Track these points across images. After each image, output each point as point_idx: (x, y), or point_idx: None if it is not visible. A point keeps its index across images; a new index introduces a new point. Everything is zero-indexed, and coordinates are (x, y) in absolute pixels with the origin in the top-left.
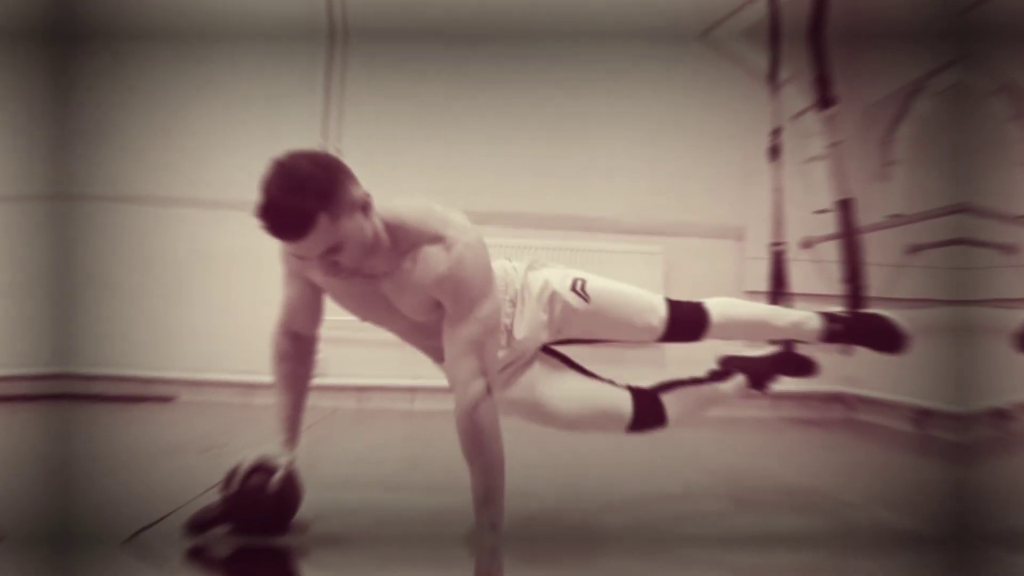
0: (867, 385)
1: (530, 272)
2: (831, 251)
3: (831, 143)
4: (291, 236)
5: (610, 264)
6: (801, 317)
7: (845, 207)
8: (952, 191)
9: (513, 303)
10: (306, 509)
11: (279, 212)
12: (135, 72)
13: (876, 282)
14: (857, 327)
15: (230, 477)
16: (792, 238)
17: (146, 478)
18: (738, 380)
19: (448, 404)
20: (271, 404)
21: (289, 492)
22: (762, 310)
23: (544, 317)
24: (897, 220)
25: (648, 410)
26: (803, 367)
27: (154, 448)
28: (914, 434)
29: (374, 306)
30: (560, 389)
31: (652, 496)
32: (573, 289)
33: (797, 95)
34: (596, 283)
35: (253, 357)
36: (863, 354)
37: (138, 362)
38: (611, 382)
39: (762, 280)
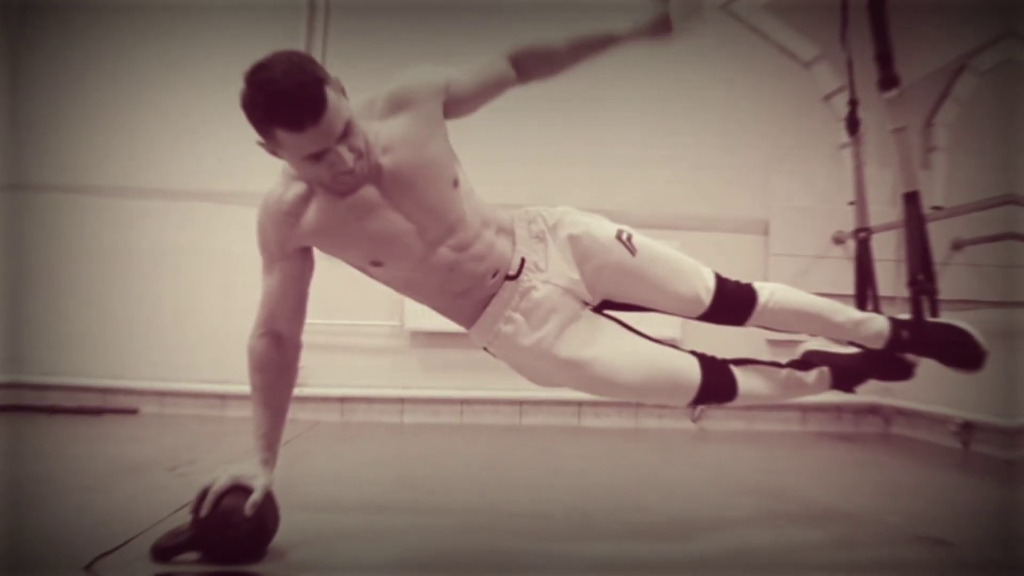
0: (906, 396)
1: (565, 215)
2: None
3: (894, 128)
4: (311, 116)
5: None
6: (864, 317)
7: (911, 200)
8: (999, 181)
9: (540, 239)
10: (283, 534)
11: (293, 94)
12: (91, 48)
13: None
14: (929, 337)
15: (200, 498)
16: (821, 233)
17: (107, 499)
18: (822, 373)
19: (440, 418)
20: (246, 417)
21: (265, 515)
22: (819, 302)
23: (577, 263)
24: (938, 213)
25: (718, 380)
26: (900, 370)
27: (115, 466)
28: (958, 450)
29: (380, 212)
30: (618, 349)
31: (679, 519)
32: (619, 239)
33: (828, 74)
34: (644, 240)
35: (225, 365)
36: None
37: (96, 370)
38: (673, 346)
39: (788, 278)
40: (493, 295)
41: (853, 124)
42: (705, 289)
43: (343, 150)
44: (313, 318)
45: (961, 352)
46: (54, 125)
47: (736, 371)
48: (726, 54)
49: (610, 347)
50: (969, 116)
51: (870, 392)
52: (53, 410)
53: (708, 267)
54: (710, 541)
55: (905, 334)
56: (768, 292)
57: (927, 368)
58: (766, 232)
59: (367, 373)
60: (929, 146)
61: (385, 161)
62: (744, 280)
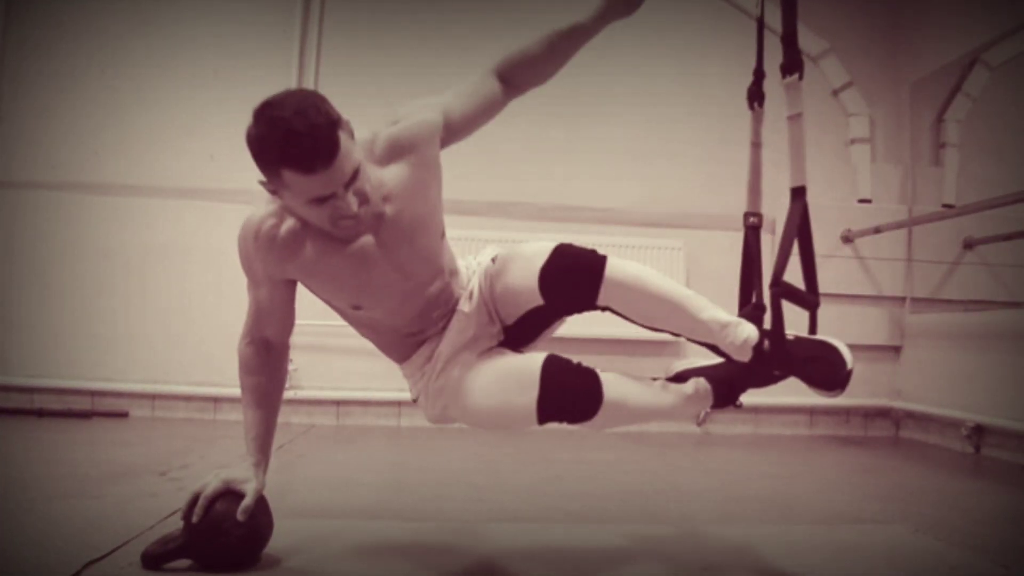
0: (916, 399)
1: (481, 256)
2: (872, 247)
3: (789, 115)
4: (324, 157)
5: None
6: (732, 321)
7: (797, 196)
8: (1012, 178)
9: (468, 281)
10: (277, 540)
11: (306, 135)
12: (79, 42)
13: (925, 281)
14: (789, 351)
15: (192, 503)
16: (829, 231)
17: (96, 504)
18: (699, 383)
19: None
20: (238, 421)
21: (258, 521)
22: (684, 292)
23: (479, 295)
24: (950, 211)
25: (571, 384)
26: (778, 376)
27: (105, 470)
28: (969, 454)
29: (374, 263)
30: (479, 372)
31: (684, 525)
32: (493, 259)
33: (836, 69)
34: (510, 247)
35: (217, 367)
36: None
37: (85, 373)
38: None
39: (794, 277)
40: (431, 336)
41: (754, 97)
42: (538, 259)
43: (350, 196)
44: (308, 320)
45: (823, 371)
46: (41, 121)
47: (604, 376)
48: (730, 47)
49: (472, 373)
50: (981, 112)
51: (879, 395)
52: (41, 413)
53: (555, 242)
54: (715, 548)
55: (766, 345)
56: (622, 266)
57: (938, 370)
58: (772, 231)
59: (363, 376)
60: (940, 142)
61: (386, 210)
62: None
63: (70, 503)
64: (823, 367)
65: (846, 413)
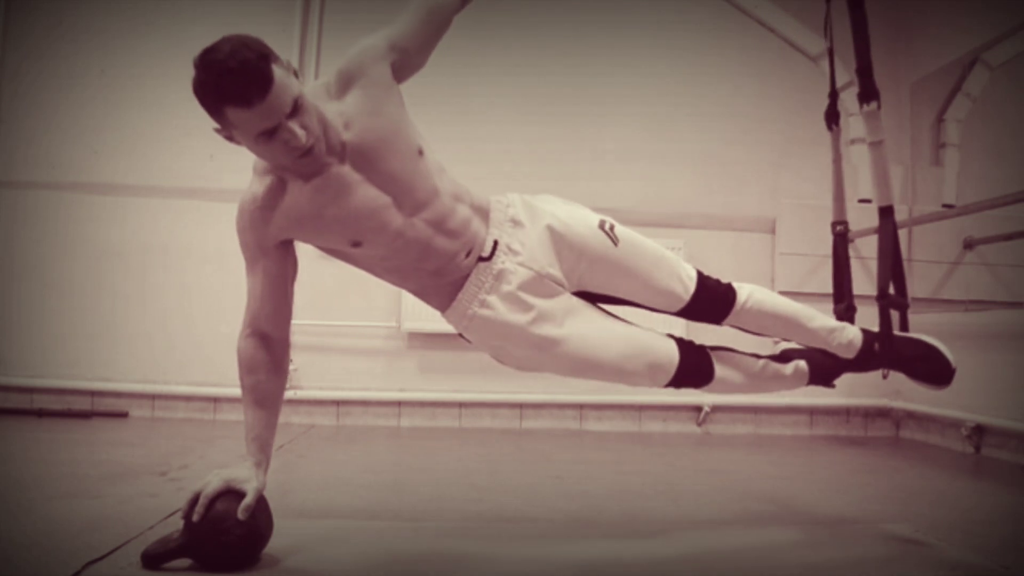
0: (917, 399)
1: (546, 202)
2: (873, 247)
3: (871, 142)
4: (257, 91)
5: None
6: (837, 326)
7: (886, 215)
8: (1012, 178)
9: (516, 223)
10: (277, 540)
11: (239, 70)
12: (79, 41)
13: (925, 281)
14: (899, 351)
15: (192, 503)
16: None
17: (96, 504)
18: (799, 367)
19: (438, 421)
20: (238, 421)
21: (259, 520)
22: (795, 307)
23: (555, 252)
24: (950, 211)
25: (696, 362)
26: (877, 363)
27: (104, 470)
28: (970, 454)
29: (352, 189)
30: (595, 327)
31: (684, 525)
32: (601, 228)
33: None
34: (627, 231)
35: (217, 367)
36: None
37: (85, 373)
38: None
39: (796, 278)
40: (467, 277)
41: (831, 117)
42: (685, 284)
43: (294, 126)
44: (308, 319)
45: (930, 368)
46: (41, 121)
47: (713, 355)
48: (732, 47)
49: (586, 326)
50: (981, 111)
51: (879, 395)
52: (41, 413)
53: (690, 265)
54: (716, 548)
55: (876, 346)
56: (747, 292)
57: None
58: (773, 231)
59: (363, 376)
60: (940, 142)
61: (348, 137)
62: (749, 282)
63: (70, 503)
64: (931, 365)
65: (846, 413)
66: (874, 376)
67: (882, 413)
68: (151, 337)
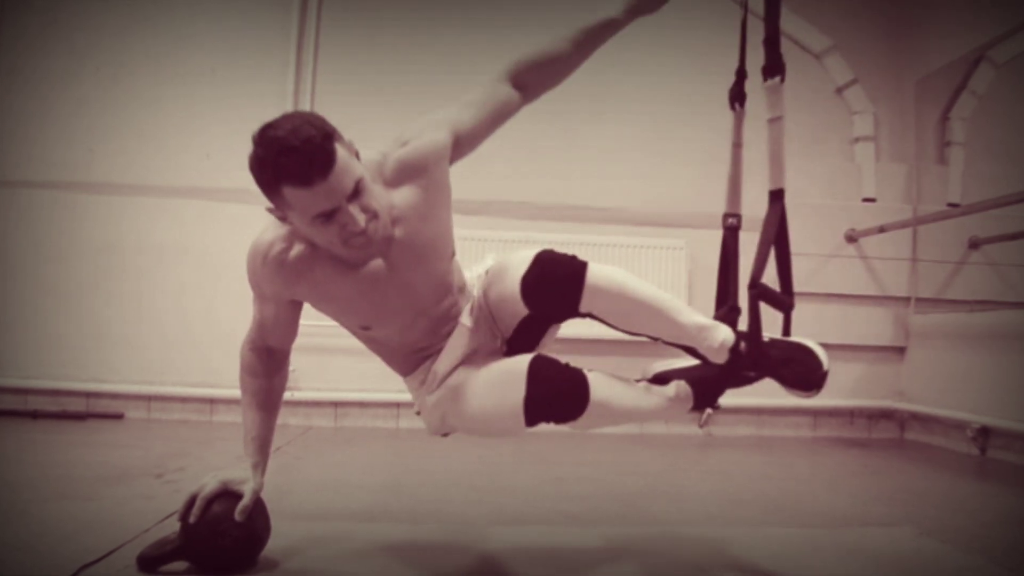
0: (921, 400)
1: (480, 267)
2: (877, 246)
3: (770, 118)
4: (319, 170)
5: (627, 260)
6: (710, 324)
7: (776, 199)
8: (1018, 177)
9: (472, 311)
10: (275, 542)
11: (301, 148)
12: (74, 39)
13: (930, 281)
14: (766, 353)
15: (188, 505)
16: (833, 231)
17: (91, 507)
18: (680, 386)
19: None
20: (235, 422)
21: (256, 522)
22: (664, 297)
23: (479, 309)
24: (955, 210)
25: (558, 383)
26: (745, 368)
27: (100, 472)
28: (975, 456)
29: (385, 286)
30: (470, 376)
31: (686, 527)
32: (487, 271)
33: (840, 66)
34: (503, 257)
35: (214, 368)
36: (917, 365)
37: (80, 374)
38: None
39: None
40: (439, 350)
41: (736, 97)
42: (518, 271)
43: (355, 209)
44: (306, 320)
45: (799, 372)
46: (36, 119)
47: (591, 376)
48: (734, 44)
49: (468, 377)
50: (986, 109)
51: (884, 396)
52: (35, 415)
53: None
54: (718, 550)
55: (743, 347)
56: (602, 271)
57: (943, 371)
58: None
59: (361, 377)
60: (945, 141)
61: (397, 233)
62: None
63: (65, 505)
64: (798, 369)
65: (850, 415)
66: (878, 377)
67: (886, 414)
68: (147, 338)
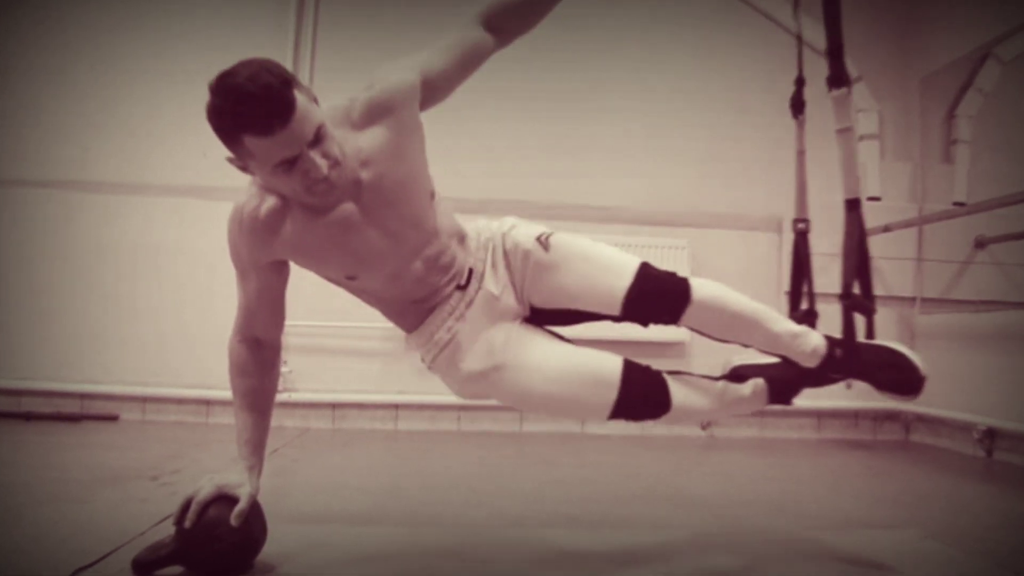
0: (927, 402)
1: (506, 224)
2: (882, 246)
3: (839, 129)
4: (279, 118)
5: None
6: (801, 331)
7: (853, 208)
8: None
9: (486, 248)
10: (271, 546)
11: (260, 96)
12: (68, 36)
13: (936, 281)
14: (863, 359)
15: (184, 509)
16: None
17: (85, 509)
18: (757, 385)
19: (437, 424)
20: (231, 424)
21: (252, 526)
22: (758, 308)
23: (508, 272)
24: (961, 209)
25: (644, 390)
26: (840, 372)
27: (94, 475)
28: (981, 458)
29: (358, 230)
30: (538, 352)
31: (688, 530)
32: (537, 239)
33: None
34: (565, 237)
35: (210, 369)
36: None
37: (75, 375)
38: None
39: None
40: (440, 303)
41: (797, 105)
42: (620, 275)
43: (316, 156)
44: (303, 320)
45: (898, 377)
46: (29, 117)
47: (671, 381)
48: (737, 41)
49: (526, 352)
50: (993, 107)
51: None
52: (29, 416)
53: (637, 259)
54: (720, 554)
55: (839, 353)
56: (704, 286)
57: (949, 372)
58: (780, 229)
59: (359, 377)
60: (951, 139)
61: (364, 175)
62: (755, 283)
63: (59, 508)
64: (894, 373)
65: (854, 416)
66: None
67: (891, 416)
68: (142, 338)
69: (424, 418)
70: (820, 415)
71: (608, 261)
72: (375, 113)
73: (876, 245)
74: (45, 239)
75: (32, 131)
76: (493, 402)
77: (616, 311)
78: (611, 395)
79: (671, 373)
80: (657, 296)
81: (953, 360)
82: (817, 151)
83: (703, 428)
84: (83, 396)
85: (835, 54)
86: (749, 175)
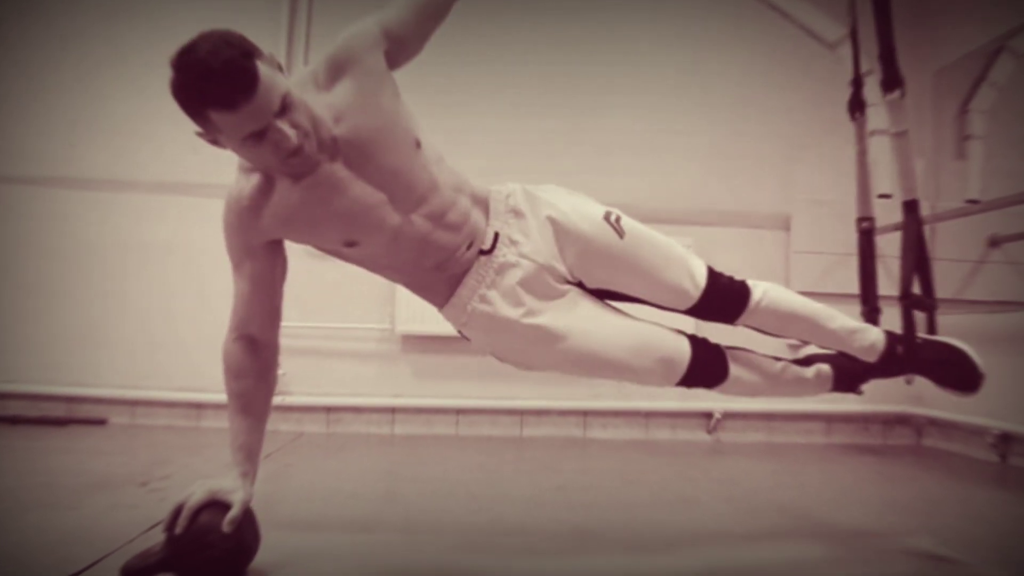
0: (939, 405)
1: (547, 192)
2: (893, 244)
3: (895, 132)
4: (243, 92)
5: None
6: (859, 327)
7: (911, 210)
8: None
9: (517, 214)
10: (264, 554)
11: (222, 70)
12: (53, 29)
13: (948, 281)
14: (923, 355)
15: (174, 515)
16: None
17: (73, 516)
18: (821, 370)
19: (434, 429)
20: (223, 428)
21: (245, 533)
22: (813, 306)
23: (557, 244)
24: (974, 207)
25: (709, 359)
26: (900, 368)
27: (82, 480)
28: (995, 463)
29: (346, 187)
30: (600, 321)
31: (694, 538)
32: (607, 220)
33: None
34: (632, 223)
35: (201, 371)
36: None
37: (62, 378)
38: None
39: (812, 278)
40: (467, 271)
41: (856, 105)
42: (696, 281)
43: (284, 126)
44: (297, 321)
45: (957, 373)
46: (14, 111)
47: (728, 353)
48: (743, 33)
49: (591, 320)
50: (1007, 102)
51: (900, 401)
52: (15, 420)
53: (701, 260)
54: (727, 562)
55: (899, 349)
56: (762, 290)
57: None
58: (788, 227)
59: (355, 380)
60: (964, 134)
61: (339, 131)
62: (767, 276)
63: (45, 515)
64: (954, 370)
65: (864, 420)
66: (893, 381)
67: (902, 420)
68: (131, 340)
69: (421, 422)
70: (829, 419)
71: (680, 258)
72: (338, 68)
73: (886, 244)
74: (31, 237)
75: (17, 126)
76: (492, 405)
77: (682, 307)
78: (681, 368)
79: (731, 348)
80: (723, 299)
81: None
82: (821, 148)
83: (709, 432)
84: (70, 399)
85: (888, 57)
86: (756, 171)
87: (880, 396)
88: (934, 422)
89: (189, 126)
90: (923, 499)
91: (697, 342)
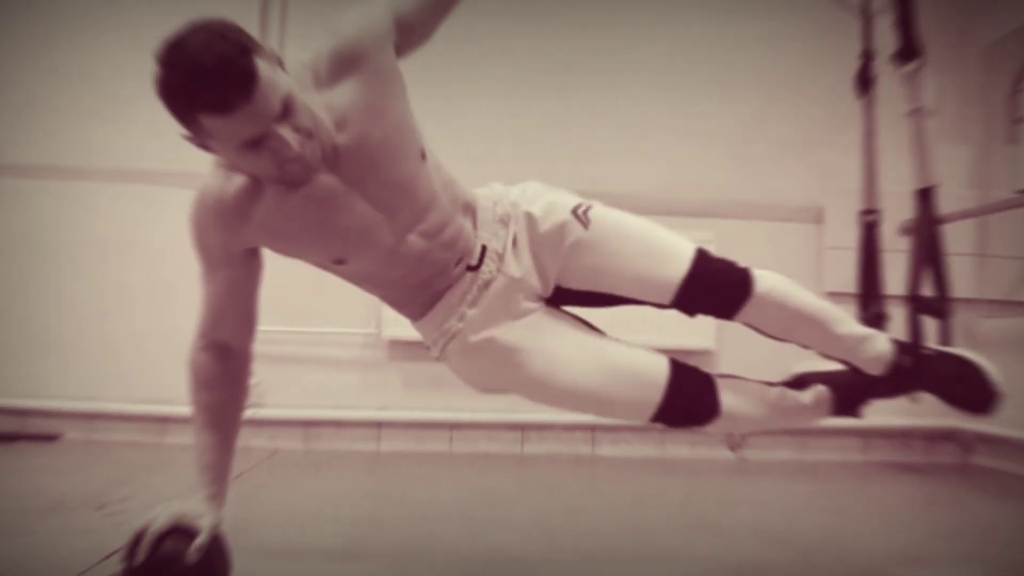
0: (989, 419)
1: (526, 191)
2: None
3: (910, 109)
4: (239, 94)
5: None
6: (868, 334)
7: (925, 198)
8: None
9: (503, 222)
10: None
11: (215, 69)
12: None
13: (997, 281)
14: (930, 369)
15: (135, 542)
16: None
17: (22, 542)
18: (819, 393)
19: (425, 445)
20: (189, 445)
21: (213, 562)
22: (824, 307)
23: (531, 247)
24: None
25: (693, 391)
26: (907, 385)
27: (33, 503)
28: None
29: (342, 204)
30: (568, 343)
31: (714, 568)
32: (574, 213)
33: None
34: (606, 211)
35: (165, 382)
36: None
37: (10, 389)
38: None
39: (847, 277)
40: (450, 286)
41: (864, 82)
42: (677, 265)
43: (286, 132)
44: (272, 325)
45: (968, 391)
46: None
47: (719, 382)
48: (767, 10)
49: (555, 341)
50: None
51: (944, 414)
52: None
53: (692, 243)
54: None
55: (907, 361)
56: (769, 280)
57: (1015, 385)
58: (820, 220)
59: (336, 391)
60: (1015, 116)
61: (342, 139)
62: (792, 272)
63: None
64: (967, 389)
65: (905, 435)
66: None
67: (947, 435)
68: (87, 346)
69: (411, 438)
70: (866, 434)
71: (660, 243)
72: (344, 65)
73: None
74: None
75: None
76: (490, 419)
77: (665, 300)
78: (655, 396)
79: (721, 376)
80: (715, 287)
81: (1020, 371)
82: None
83: (733, 450)
84: (20, 412)
85: (905, 22)
86: (784, 160)
87: (922, 408)
88: (983, 438)
89: (150, 109)
90: (972, 523)
91: (679, 366)
